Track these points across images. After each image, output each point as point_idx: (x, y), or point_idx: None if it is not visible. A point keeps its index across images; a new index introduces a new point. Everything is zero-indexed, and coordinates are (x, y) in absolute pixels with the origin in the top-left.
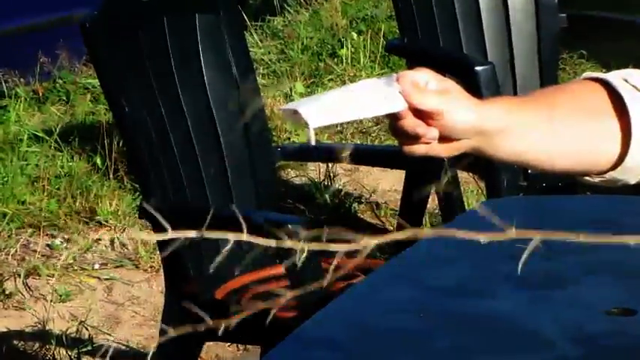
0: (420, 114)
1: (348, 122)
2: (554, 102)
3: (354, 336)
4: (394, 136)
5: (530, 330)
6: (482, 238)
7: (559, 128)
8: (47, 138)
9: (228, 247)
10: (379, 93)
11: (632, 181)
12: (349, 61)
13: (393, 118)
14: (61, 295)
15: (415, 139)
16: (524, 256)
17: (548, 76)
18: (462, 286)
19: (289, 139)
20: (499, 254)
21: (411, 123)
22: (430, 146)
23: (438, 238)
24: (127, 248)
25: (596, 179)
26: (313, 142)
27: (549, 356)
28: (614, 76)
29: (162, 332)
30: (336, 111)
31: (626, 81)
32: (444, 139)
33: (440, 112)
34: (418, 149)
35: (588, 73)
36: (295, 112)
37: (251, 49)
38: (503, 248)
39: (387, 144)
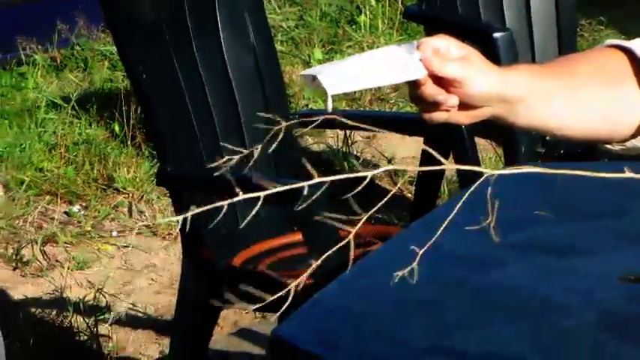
0: (440, 81)
1: (367, 89)
2: (575, 69)
3: (369, 305)
4: (414, 103)
5: (543, 298)
6: None
7: (580, 96)
8: (65, 105)
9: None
10: (399, 60)
11: None
12: (367, 28)
13: (413, 86)
14: (78, 263)
15: (435, 106)
16: None
17: (567, 42)
18: (473, 255)
19: (307, 105)
20: (511, 222)
21: (431, 90)
22: (450, 114)
23: (455, 206)
24: (144, 215)
25: (617, 147)
26: (330, 109)
27: (563, 323)
28: (636, 44)
29: (179, 299)
30: (356, 78)
31: None
32: (464, 106)
33: (460, 80)
34: (438, 116)
35: (610, 41)
36: (314, 79)
37: (269, 16)
38: (515, 216)
39: (405, 111)
